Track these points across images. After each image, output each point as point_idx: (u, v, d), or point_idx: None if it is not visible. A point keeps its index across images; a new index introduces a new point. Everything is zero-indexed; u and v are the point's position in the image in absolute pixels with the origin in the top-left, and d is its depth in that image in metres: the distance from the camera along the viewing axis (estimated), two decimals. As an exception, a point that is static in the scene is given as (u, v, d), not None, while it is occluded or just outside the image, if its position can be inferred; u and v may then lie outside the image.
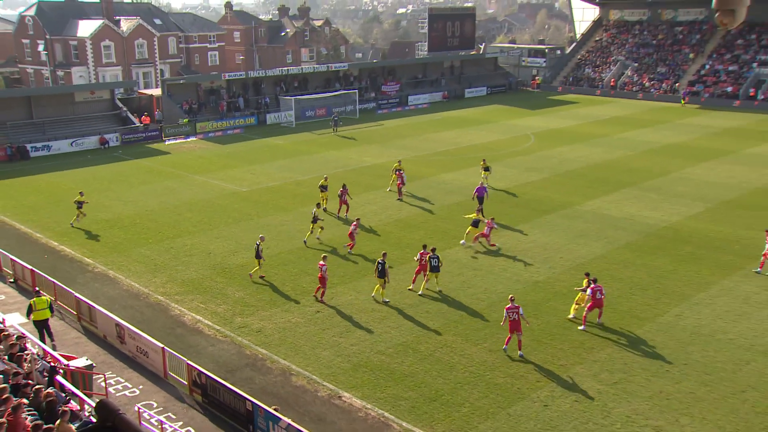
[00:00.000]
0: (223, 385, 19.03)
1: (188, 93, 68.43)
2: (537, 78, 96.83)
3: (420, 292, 26.95)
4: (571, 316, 24.81)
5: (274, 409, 17.69)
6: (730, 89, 78.57)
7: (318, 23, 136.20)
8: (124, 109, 63.61)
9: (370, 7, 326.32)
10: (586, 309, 24.02)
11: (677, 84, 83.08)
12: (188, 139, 61.13)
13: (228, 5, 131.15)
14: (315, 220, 32.58)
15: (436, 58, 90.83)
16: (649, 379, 20.75)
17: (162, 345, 21.12)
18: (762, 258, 28.91)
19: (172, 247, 32.70)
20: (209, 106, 68.52)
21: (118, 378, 21.12)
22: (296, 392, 20.36)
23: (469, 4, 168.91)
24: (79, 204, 35.78)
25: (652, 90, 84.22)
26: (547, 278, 28.42)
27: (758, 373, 21.05)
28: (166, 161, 52.05)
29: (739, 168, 47.35)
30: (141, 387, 20.63)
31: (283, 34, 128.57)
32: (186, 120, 63.83)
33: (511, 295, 23.03)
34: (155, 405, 19.67)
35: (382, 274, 25.82)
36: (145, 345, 21.68)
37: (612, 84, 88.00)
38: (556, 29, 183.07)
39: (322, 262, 26.23)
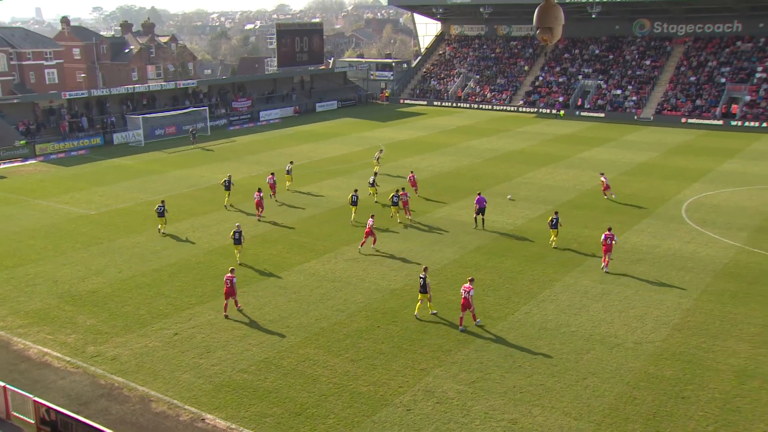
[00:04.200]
0: (76, 419, 18.12)
1: (24, 113, 64.38)
2: (386, 91, 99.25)
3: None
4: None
5: (134, 438, 17.11)
6: (561, 99, 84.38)
7: (164, 39, 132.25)
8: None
9: (217, 23, 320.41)
10: (603, 255, 30.64)
11: (517, 97, 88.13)
12: (27, 162, 57.47)
13: (65, 20, 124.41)
14: (394, 202, 37.58)
15: (286, 74, 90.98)
16: (503, 375, 21.90)
17: (3, 383, 19.79)
18: (603, 191, 42.71)
19: (12, 277, 30.64)
20: (49, 126, 64.82)
21: (-47, 424, 19.60)
22: (157, 419, 19.75)
23: (317, 20, 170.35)
24: (160, 210, 36.10)
25: (493, 100, 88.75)
26: (404, 285, 29.25)
27: (597, 360, 22.81)
28: (2, 186, 48.62)
29: (573, 171, 50.92)
30: (-18, 430, 19.25)
31: (127, 51, 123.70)
32: (23, 142, 59.97)
33: (470, 277, 25.58)
34: (-1, 448, 18.43)
35: (424, 289, 25.71)
36: (-15, 384, 20.20)
37: (459, 95, 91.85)
38: (402, 43, 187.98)
39: (229, 275, 26.14)
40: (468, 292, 24.70)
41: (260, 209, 39.05)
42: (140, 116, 66.20)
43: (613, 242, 30.31)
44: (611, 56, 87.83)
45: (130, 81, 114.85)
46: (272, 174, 44.17)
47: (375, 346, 23.83)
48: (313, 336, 24.68)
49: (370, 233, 33.21)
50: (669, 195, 43.95)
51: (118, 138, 66.15)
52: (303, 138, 67.46)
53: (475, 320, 25.47)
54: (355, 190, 39.00)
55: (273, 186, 43.09)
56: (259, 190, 39.36)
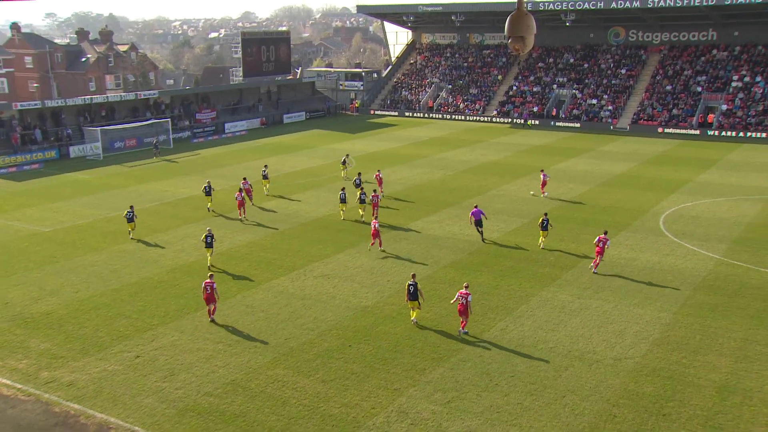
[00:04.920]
0: (26, 453, 16.87)
1: (-28, 125, 62.34)
2: (355, 101, 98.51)
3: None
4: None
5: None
6: (536, 109, 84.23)
7: (123, 48, 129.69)
8: None
9: (179, 32, 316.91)
10: (595, 256, 31.49)
11: (491, 107, 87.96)
12: (-25, 177, 55.57)
13: (15, 27, 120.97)
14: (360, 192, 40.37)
15: (252, 84, 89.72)
16: (479, 394, 21.10)
17: (-51, 414, 18.47)
18: (541, 188, 45.50)
19: (-40, 298, 29.11)
20: (-1, 139, 62.79)
21: None
22: (114, 450, 18.56)
23: (284, 28, 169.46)
24: (129, 216, 36.59)
25: (466, 111, 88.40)
26: (376, 303, 28.35)
27: (576, 377, 22.12)
28: (-48, 202, 46.81)
29: (549, 183, 50.16)
30: (-76, 466, 17.86)
31: (83, 59, 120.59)
32: (-29, 155, 58.00)
33: (465, 282, 25.78)
34: (-58, 486, 17.08)
35: (414, 296, 25.52)
36: (-71, 416, 18.81)
37: (430, 105, 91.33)
38: (371, 53, 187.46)
39: (208, 280, 25.99)
40: (465, 298, 24.59)
41: (242, 209, 40.51)
42: (98, 128, 64.38)
43: (606, 246, 31.22)
44: (586, 65, 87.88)
45: (88, 91, 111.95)
46: (245, 179, 44.14)
47: (346, 366, 22.90)
48: (282, 356, 23.67)
49: (376, 234, 34.28)
50: (647, 206, 43.63)
51: (74, 151, 64.34)
52: (270, 150, 66.36)
53: (462, 328, 25.08)
54: (343, 188, 41.36)
55: (249, 191, 43.04)
56: (240, 191, 40.91)
